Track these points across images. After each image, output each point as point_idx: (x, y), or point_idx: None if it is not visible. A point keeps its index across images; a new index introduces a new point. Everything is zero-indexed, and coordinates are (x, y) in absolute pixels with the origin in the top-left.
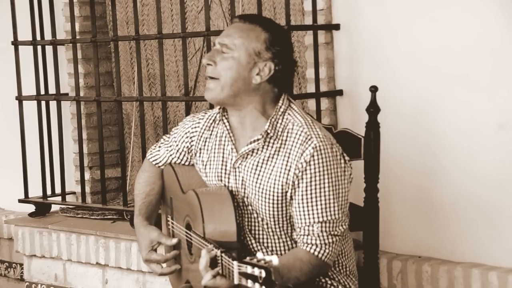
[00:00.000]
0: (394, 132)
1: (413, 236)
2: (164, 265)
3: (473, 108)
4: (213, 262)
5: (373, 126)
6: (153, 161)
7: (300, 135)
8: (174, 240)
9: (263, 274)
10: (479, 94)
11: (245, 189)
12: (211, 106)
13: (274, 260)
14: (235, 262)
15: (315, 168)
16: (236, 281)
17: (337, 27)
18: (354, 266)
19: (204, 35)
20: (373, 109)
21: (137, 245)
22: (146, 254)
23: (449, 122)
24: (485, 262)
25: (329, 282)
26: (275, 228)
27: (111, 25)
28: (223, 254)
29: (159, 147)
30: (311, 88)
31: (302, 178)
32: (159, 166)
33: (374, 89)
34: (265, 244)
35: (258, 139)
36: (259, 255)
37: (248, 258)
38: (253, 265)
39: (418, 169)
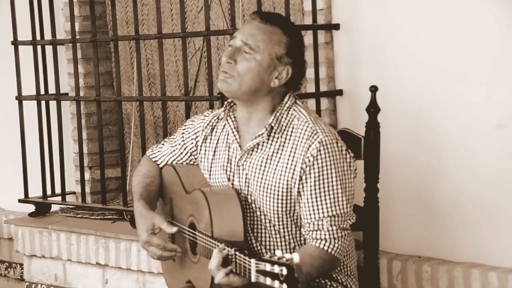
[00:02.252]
0: (394, 132)
1: (413, 236)
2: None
3: (473, 107)
4: (225, 261)
5: (373, 126)
6: (153, 157)
7: (305, 130)
8: (175, 229)
9: (285, 272)
10: (479, 93)
11: (248, 186)
12: (211, 107)
13: (296, 257)
14: (252, 260)
15: (322, 163)
16: (253, 279)
17: (337, 27)
18: (355, 267)
19: (204, 35)
20: (373, 109)
21: (137, 245)
22: (147, 236)
23: (449, 121)
24: (486, 262)
25: (329, 283)
26: (279, 226)
27: (111, 25)
28: (237, 253)
29: (162, 144)
30: (311, 88)
31: (310, 173)
32: (157, 164)
33: (374, 89)
34: (266, 244)
35: (262, 133)
36: (278, 253)
37: (267, 256)
38: (273, 263)
39: (418, 169)
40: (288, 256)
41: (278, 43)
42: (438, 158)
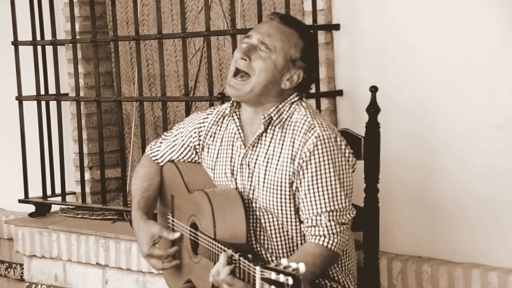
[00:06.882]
0: (394, 132)
1: (413, 236)
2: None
3: (473, 106)
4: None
5: (373, 126)
6: (153, 157)
7: (303, 124)
8: (177, 234)
9: (290, 282)
10: (479, 93)
11: (251, 184)
12: (211, 106)
13: (302, 267)
14: (258, 268)
15: (319, 158)
16: (258, 287)
17: (337, 27)
18: (355, 266)
19: (204, 35)
20: (373, 109)
21: (137, 245)
22: (148, 249)
23: (450, 121)
24: (486, 262)
25: (328, 284)
26: (282, 222)
27: (111, 25)
28: (241, 258)
29: (160, 143)
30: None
31: (307, 168)
32: (158, 163)
33: (374, 89)
34: (268, 247)
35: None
36: (284, 261)
37: (273, 264)
38: (279, 272)
39: (418, 169)
40: (294, 265)
41: (295, 46)
42: (438, 158)
